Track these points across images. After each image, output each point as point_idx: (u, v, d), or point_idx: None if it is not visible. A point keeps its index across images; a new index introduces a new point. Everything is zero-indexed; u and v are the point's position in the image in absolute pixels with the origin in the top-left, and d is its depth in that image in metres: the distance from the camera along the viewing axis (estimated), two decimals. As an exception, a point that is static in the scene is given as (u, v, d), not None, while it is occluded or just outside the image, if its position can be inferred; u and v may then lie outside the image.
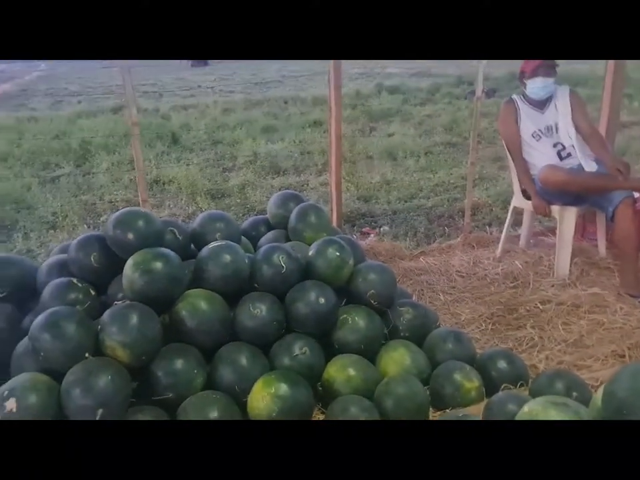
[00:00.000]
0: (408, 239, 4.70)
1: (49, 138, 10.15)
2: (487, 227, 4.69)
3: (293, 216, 2.00)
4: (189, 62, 40.47)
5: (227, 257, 1.67)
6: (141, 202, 2.61)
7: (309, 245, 1.88)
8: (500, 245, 3.90)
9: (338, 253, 1.80)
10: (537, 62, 3.43)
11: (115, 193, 6.51)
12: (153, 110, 14.05)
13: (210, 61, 42.73)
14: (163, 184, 6.96)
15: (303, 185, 6.77)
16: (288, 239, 2.00)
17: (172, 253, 1.65)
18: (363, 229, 5.17)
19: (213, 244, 1.72)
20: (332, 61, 2.87)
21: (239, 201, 6.02)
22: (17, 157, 8.46)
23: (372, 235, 5.02)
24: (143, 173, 2.55)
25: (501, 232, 3.96)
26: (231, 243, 1.74)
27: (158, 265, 1.59)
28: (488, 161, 7.20)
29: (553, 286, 3.37)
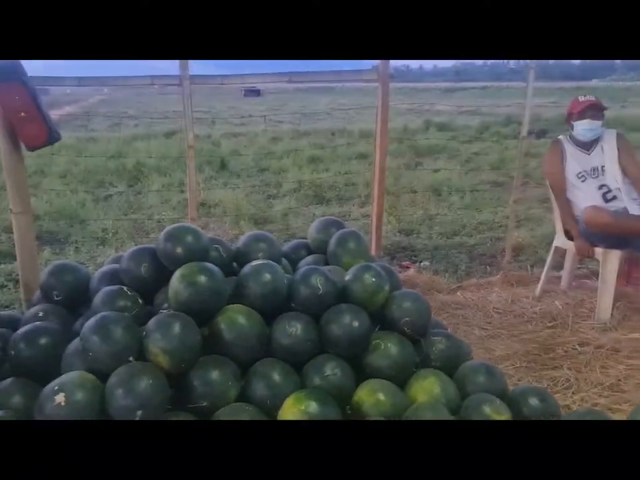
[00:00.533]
0: (447, 274, 4.66)
1: (105, 158, 10.69)
2: (530, 268, 4.60)
3: (332, 241, 2.07)
4: (242, 91, 41.84)
5: (267, 276, 1.75)
6: (189, 220, 2.73)
7: (347, 270, 1.93)
8: (540, 285, 3.84)
9: (374, 279, 1.84)
10: (585, 104, 3.45)
11: (163, 213, 6.76)
12: (205, 136, 14.59)
13: (262, 91, 44.05)
14: (209, 207, 7.18)
15: (344, 216, 6.84)
16: (327, 264, 2.07)
17: (216, 268, 1.74)
18: (402, 262, 5.16)
19: (254, 262, 1.81)
20: (380, 96, 2.95)
21: (280, 227, 6.14)
22: (74, 175, 8.92)
23: (411, 269, 5.01)
24: (194, 193, 2.68)
25: (542, 272, 3.90)
26: (272, 262, 1.82)
27: (202, 278, 1.68)
28: (535, 202, 7.10)
29: (592, 329, 3.29)
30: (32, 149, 2.36)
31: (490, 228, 6.13)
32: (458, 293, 3.89)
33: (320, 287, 1.75)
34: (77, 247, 5.53)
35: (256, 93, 43.76)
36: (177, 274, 1.69)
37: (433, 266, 4.96)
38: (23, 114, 2.16)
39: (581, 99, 3.53)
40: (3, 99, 2.22)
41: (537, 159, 10.10)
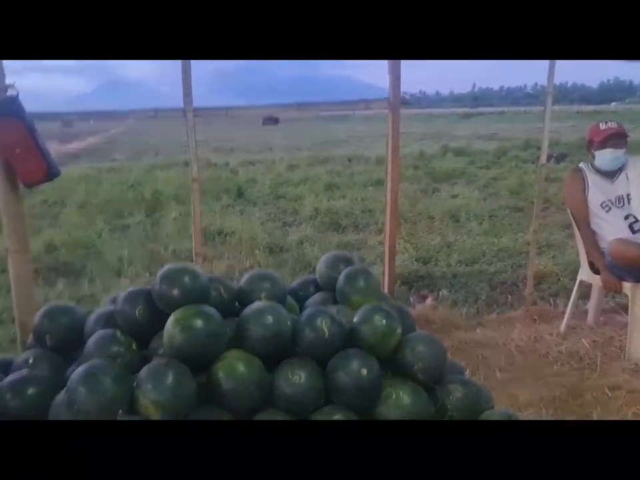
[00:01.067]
0: (467, 305, 4.50)
1: (125, 187, 10.81)
2: (552, 299, 4.40)
3: (341, 278, 1.95)
4: (261, 120, 42.49)
5: (269, 318, 1.63)
6: (194, 255, 2.66)
7: (356, 309, 1.82)
8: (565, 321, 3.62)
9: (385, 321, 1.71)
10: (605, 133, 3.28)
11: (179, 242, 6.73)
12: (223, 164, 14.74)
13: (281, 119, 44.68)
14: (225, 235, 7.15)
15: (361, 243, 6.74)
16: (336, 302, 1.96)
17: (213, 311, 1.64)
18: (420, 292, 5.02)
19: (256, 303, 1.70)
20: (391, 125, 2.87)
21: (296, 256, 6.05)
22: (93, 205, 9.01)
23: (429, 299, 4.86)
24: (199, 227, 2.61)
25: (567, 306, 3.70)
26: (275, 303, 1.71)
27: (198, 322, 1.57)
28: (556, 228, 6.92)
29: (624, 370, 3.06)
30: (29, 185, 2.31)
31: (510, 255, 5.95)
32: (477, 330, 3.69)
33: (326, 330, 1.64)
34: (91, 278, 5.51)
35: (274, 121, 44.43)
36: (172, 318, 1.60)
37: (451, 295, 4.81)
38: (18, 150, 2.12)
39: (602, 126, 3.34)
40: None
41: (557, 183, 9.95)
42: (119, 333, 1.68)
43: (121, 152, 22.30)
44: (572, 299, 3.63)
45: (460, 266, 5.59)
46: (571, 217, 3.55)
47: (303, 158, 15.41)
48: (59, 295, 4.96)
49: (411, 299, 4.86)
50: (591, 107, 54.40)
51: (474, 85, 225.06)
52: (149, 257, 6.21)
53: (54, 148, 21.44)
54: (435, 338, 1.82)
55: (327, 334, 1.63)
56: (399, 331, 1.73)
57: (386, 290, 3.16)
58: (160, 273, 1.69)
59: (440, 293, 4.94)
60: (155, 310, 1.69)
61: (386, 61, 3.02)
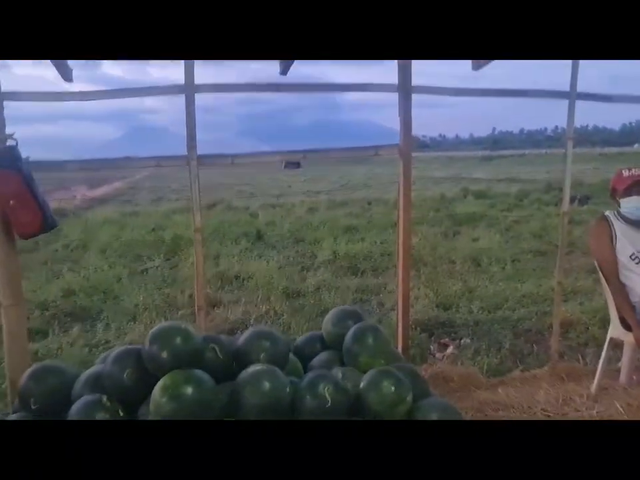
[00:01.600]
0: (490, 354, 4.30)
1: (145, 231, 10.92)
2: (580, 356, 4.12)
3: (348, 336, 1.82)
4: (283, 163, 43.24)
5: (266, 385, 1.51)
6: (196, 309, 2.56)
7: (364, 370, 1.68)
8: (596, 381, 3.33)
9: (394, 388, 1.57)
10: (630, 180, 3.10)
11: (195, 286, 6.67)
12: (243, 208, 14.87)
13: (302, 163, 45.39)
14: (242, 280, 7.08)
15: (380, 288, 6.60)
16: (342, 362, 1.82)
17: (205, 377, 1.52)
18: (441, 340, 4.84)
19: (252, 367, 1.58)
20: (401, 167, 2.80)
21: (312, 301, 5.93)
22: (114, 249, 9.08)
23: (450, 347, 4.67)
24: (202, 280, 2.51)
25: (597, 361, 3.39)
26: (273, 368, 1.58)
27: (188, 389, 1.45)
28: (582, 272, 6.69)
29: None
30: (25, 237, 2.26)
31: (534, 301, 5.74)
32: (499, 390, 3.41)
33: (328, 398, 1.51)
34: (107, 324, 5.46)
35: (296, 165, 45.14)
36: (160, 384, 1.48)
37: (473, 344, 4.62)
38: (12, 202, 2.08)
39: (625, 173, 3.16)
40: (-7, 186, 2.15)
41: (581, 226, 9.75)
42: (104, 399, 1.56)
43: (144, 196, 22.74)
44: (602, 357, 3.32)
45: (482, 312, 5.39)
46: (599, 269, 3.33)
47: (323, 201, 15.47)
48: (73, 341, 4.91)
49: (431, 347, 4.68)
50: (614, 149, 54.09)
51: (494, 129, 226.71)
52: (166, 302, 6.17)
53: (82, 193, 22.05)
54: (450, 405, 1.67)
55: (329, 402, 1.49)
56: (409, 398, 1.59)
57: (400, 340, 3.00)
58: (151, 332, 1.59)
59: (461, 341, 4.76)
60: (144, 372, 1.58)
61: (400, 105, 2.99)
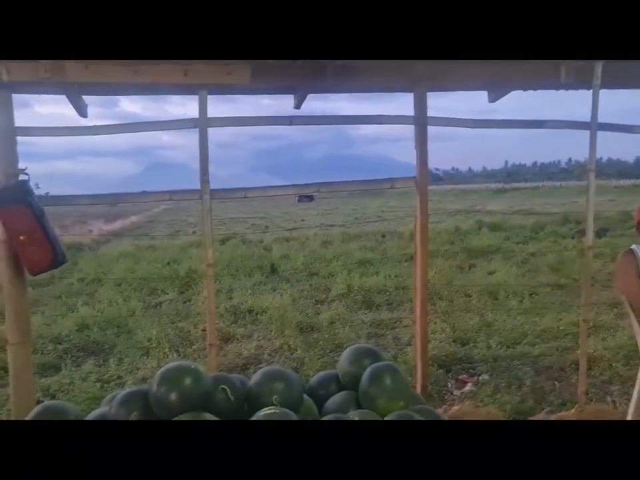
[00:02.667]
0: (511, 392, 4.15)
1: (160, 265, 10.95)
2: (608, 396, 3.95)
3: (365, 377, 1.73)
4: (297, 197, 43.55)
5: None
6: (208, 346, 2.50)
7: (382, 414, 1.59)
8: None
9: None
10: None
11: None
12: (257, 241, 14.90)
13: (315, 196, 45.67)
14: (256, 314, 7.03)
15: (395, 322, 6.49)
16: (359, 404, 1.73)
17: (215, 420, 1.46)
18: (460, 377, 4.70)
19: (264, 411, 1.50)
20: (418, 200, 2.76)
21: (327, 336, 5.83)
22: (129, 282, 9.11)
23: (469, 384, 4.54)
24: (213, 317, 2.46)
25: (624, 401, 3.26)
26: (286, 411, 1.49)
27: None
28: (604, 307, 6.52)
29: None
30: (34, 273, 2.23)
31: (555, 336, 5.59)
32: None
33: (344, 443, 1.43)
34: (120, 359, 5.42)
35: (309, 198, 45.45)
36: (167, 428, 1.43)
37: (493, 380, 4.48)
38: (22, 237, 2.06)
39: None
40: (4, 222, 2.14)
41: (601, 259, 9.57)
42: (110, 443, 1.51)
43: (160, 229, 22.95)
44: (634, 398, 3.17)
45: (501, 348, 5.25)
46: (627, 306, 3.20)
47: (336, 234, 15.45)
48: (85, 376, 4.86)
49: (449, 384, 4.55)
50: (629, 181, 53.73)
51: (506, 162, 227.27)
52: (179, 337, 6.12)
53: (99, 227, 22.34)
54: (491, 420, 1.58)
55: (345, 448, 1.42)
56: (430, 444, 1.51)
57: (419, 379, 2.89)
58: (158, 372, 1.53)
59: (480, 377, 4.62)
60: (151, 416, 1.50)
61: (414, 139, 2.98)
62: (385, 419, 1.58)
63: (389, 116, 2.97)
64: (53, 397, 4.43)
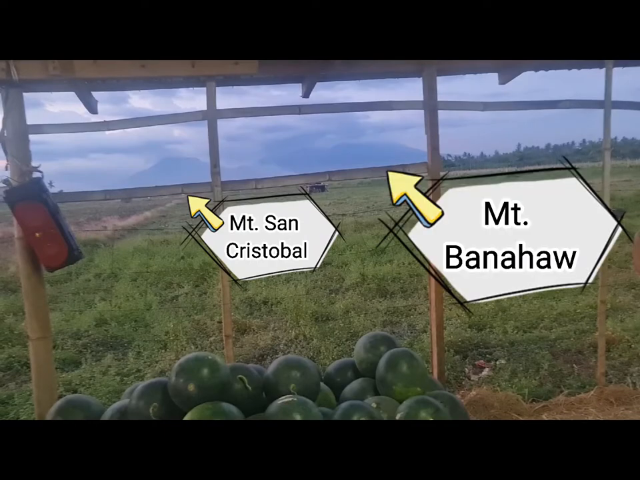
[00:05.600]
0: (528, 376, 4.13)
1: (174, 259, 11.01)
2: (628, 377, 3.91)
3: (381, 364, 1.73)
4: (308, 188, 43.54)
5: (297, 417, 1.43)
6: (224, 337, 2.51)
7: (399, 400, 1.59)
8: None
9: (432, 419, 1.48)
10: None
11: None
12: (270, 232, 14.91)
13: (327, 186, 45.57)
14: (271, 305, 7.05)
15: (410, 310, 6.47)
16: (376, 390, 1.73)
17: (233, 410, 1.46)
18: (476, 362, 4.69)
19: (282, 399, 1.50)
20: (431, 187, 2.72)
21: (342, 325, 5.84)
22: (145, 277, 9.18)
23: (486, 369, 4.52)
24: (229, 307, 2.47)
25: None
26: (304, 399, 1.50)
27: None
28: (621, 288, 6.44)
29: None
30: (51, 269, 2.25)
31: (572, 319, 5.54)
32: (544, 416, 3.20)
33: (363, 429, 1.43)
34: (138, 352, 5.48)
35: (321, 188, 45.35)
36: (186, 418, 1.43)
37: (510, 365, 4.46)
38: (38, 234, 2.08)
39: None
40: (20, 219, 2.16)
41: (617, 241, 9.43)
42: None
43: (173, 224, 23.08)
44: None
45: (517, 332, 5.22)
46: None
47: (349, 223, 15.40)
48: (105, 370, 4.93)
49: (466, 370, 4.54)
50: (646, 160, 52.72)
51: (519, 145, 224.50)
52: (196, 329, 6.17)
53: (113, 224, 22.51)
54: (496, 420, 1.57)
55: (364, 433, 1.42)
56: (449, 429, 1.50)
57: (435, 365, 2.88)
58: (176, 364, 1.54)
59: (497, 362, 4.60)
60: (170, 406, 1.52)
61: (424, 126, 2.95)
62: (403, 403, 1.57)
63: (399, 101, 2.93)
64: (75, 391, 4.49)
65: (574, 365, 4.38)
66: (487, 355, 4.81)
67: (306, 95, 2.79)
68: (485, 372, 4.45)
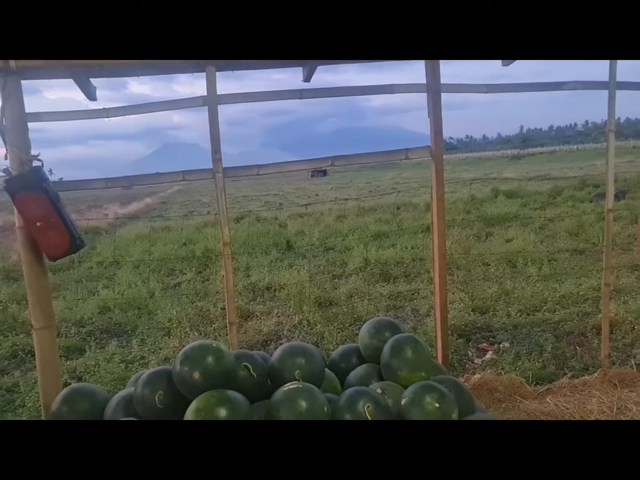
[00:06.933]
0: (532, 359, 4.14)
1: (177, 246, 11.02)
2: (632, 359, 3.91)
3: (386, 349, 1.72)
4: (309, 172, 43.38)
5: (302, 404, 1.42)
6: (228, 325, 2.50)
7: (404, 386, 1.58)
8: None
9: (437, 405, 1.47)
10: None
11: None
12: (272, 218, 14.90)
13: (328, 171, 45.43)
14: (274, 291, 7.06)
15: (413, 294, 6.47)
16: (381, 376, 1.73)
17: (239, 397, 1.45)
18: (480, 345, 4.70)
19: (288, 386, 1.49)
20: (433, 169, 2.70)
21: (345, 310, 5.85)
22: (147, 264, 9.19)
23: (490, 352, 4.53)
24: (232, 294, 2.46)
25: None
26: (309, 385, 1.49)
27: (222, 412, 1.38)
28: (624, 270, 6.43)
29: None
30: (53, 259, 2.23)
31: (575, 302, 5.54)
32: (547, 399, 3.21)
33: (369, 417, 1.42)
34: (142, 339, 5.49)
35: (322, 173, 45.24)
36: (192, 407, 1.42)
37: (514, 348, 4.46)
38: (39, 223, 2.06)
39: None
40: (21, 209, 2.14)
41: (619, 222, 9.41)
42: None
43: (174, 210, 23.06)
44: None
45: (520, 315, 5.22)
46: None
47: (351, 208, 15.38)
48: (110, 358, 4.94)
49: (470, 353, 4.55)
50: (649, 141, 52.39)
51: (521, 127, 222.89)
52: (199, 316, 6.18)
53: (114, 211, 22.52)
54: (497, 421, 1.56)
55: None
56: (454, 415, 1.48)
57: (440, 350, 2.88)
58: (181, 352, 1.53)
59: (501, 345, 4.61)
60: (176, 394, 1.51)
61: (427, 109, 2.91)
62: (408, 389, 1.56)
63: (402, 84, 2.89)
64: (80, 379, 4.51)
65: (577, 347, 4.38)
66: (491, 339, 4.82)
67: (307, 79, 2.75)
68: (489, 355, 4.46)
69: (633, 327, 4.58)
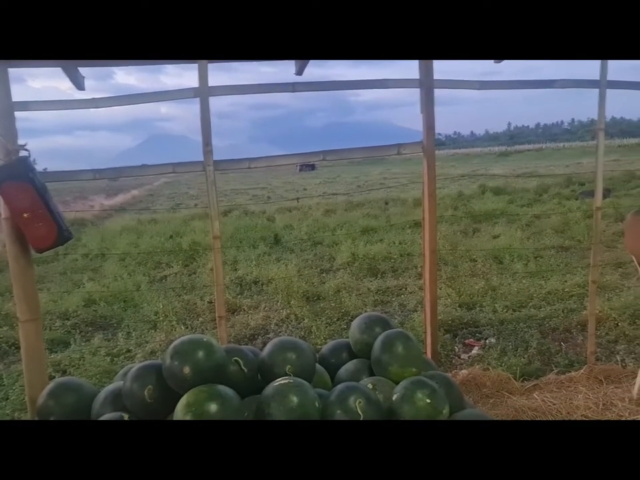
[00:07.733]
0: (518, 354, 4.18)
1: (163, 239, 10.94)
2: (616, 355, 3.96)
3: (377, 345, 1.72)
4: (298, 167, 43.25)
5: (293, 399, 1.41)
6: (217, 319, 2.49)
7: (395, 381, 1.58)
8: (637, 384, 3.15)
9: (429, 400, 1.47)
10: None
11: (214, 293, 6.63)
12: (260, 212, 14.85)
13: (317, 165, 45.36)
14: (262, 285, 7.04)
15: (401, 289, 6.50)
16: (371, 371, 1.72)
17: (229, 393, 1.44)
18: (466, 340, 4.73)
19: (278, 381, 1.48)
20: (425, 165, 2.70)
21: (333, 304, 5.85)
22: (133, 257, 9.11)
23: (476, 348, 4.57)
24: (222, 288, 2.44)
25: (632, 360, 3.26)
26: (300, 381, 1.48)
27: (212, 407, 1.36)
28: (608, 267, 6.51)
29: None
30: (40, 250, 2.19)
31: (560, 298, 5.60)
32: (535, 395, 3.22)
33: (360, 412, 1.41)
34: (128, 332, 5.45)
35: (311, 167, 45.18)
36: (182, 402, 1.40)
37: (500, 343, 4.50)
38: (26, 215, 2.02)
39: None
40: (7, 200, 2.10)
41: (604, 220, 9.52)
42: (125, 417, 1.50)
43: (161, 203, 22.90)
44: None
45: (506, 311, 5.27)
46: (637, 265, 3.18)
47: (339, 202, 15.39)
48: (95, 351, 4.90)
49: (456, 348, 4.58)
50: (633, 140, 52.99)
51: (509, 124, 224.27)
52: (185, 309, 6.15)
53: (100, 203, 22.30)
54: (488, 418, 1.57)
55: (361, 417, 1.40)
56: (445, 411, 1.48)
57: (429, 345, 2.89)
58: (171, 346, 1.51)
59: (487, 340, 4.65)
60: (165, 389, 1.50)
61: (418, 105, 2.91)
62: (399, 385, 1.56)
63: (395, 79, 2.88)
64: (65, 372, 4.47)
65: (562, 343, 4.43)
66: (477, 334, 4.85)
67: (299, 72, 2.72)
68: (475, 350, 4.50)
69: (617, 324, 4.64)
